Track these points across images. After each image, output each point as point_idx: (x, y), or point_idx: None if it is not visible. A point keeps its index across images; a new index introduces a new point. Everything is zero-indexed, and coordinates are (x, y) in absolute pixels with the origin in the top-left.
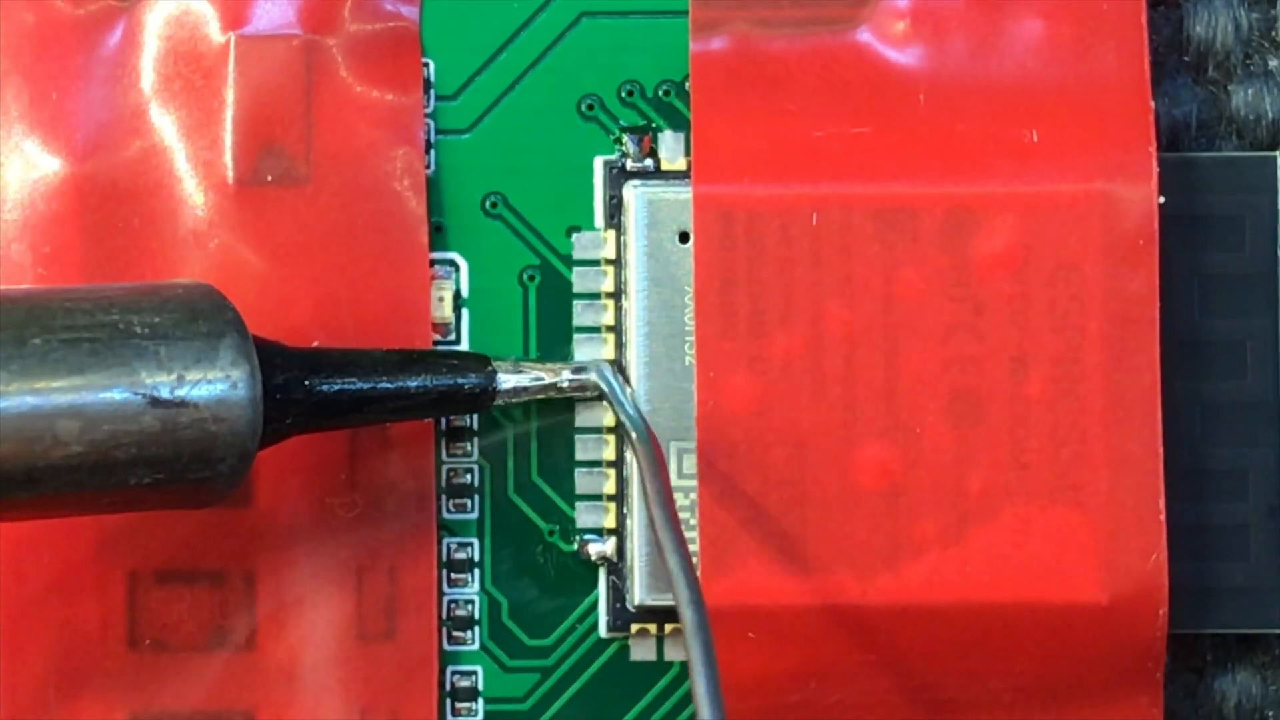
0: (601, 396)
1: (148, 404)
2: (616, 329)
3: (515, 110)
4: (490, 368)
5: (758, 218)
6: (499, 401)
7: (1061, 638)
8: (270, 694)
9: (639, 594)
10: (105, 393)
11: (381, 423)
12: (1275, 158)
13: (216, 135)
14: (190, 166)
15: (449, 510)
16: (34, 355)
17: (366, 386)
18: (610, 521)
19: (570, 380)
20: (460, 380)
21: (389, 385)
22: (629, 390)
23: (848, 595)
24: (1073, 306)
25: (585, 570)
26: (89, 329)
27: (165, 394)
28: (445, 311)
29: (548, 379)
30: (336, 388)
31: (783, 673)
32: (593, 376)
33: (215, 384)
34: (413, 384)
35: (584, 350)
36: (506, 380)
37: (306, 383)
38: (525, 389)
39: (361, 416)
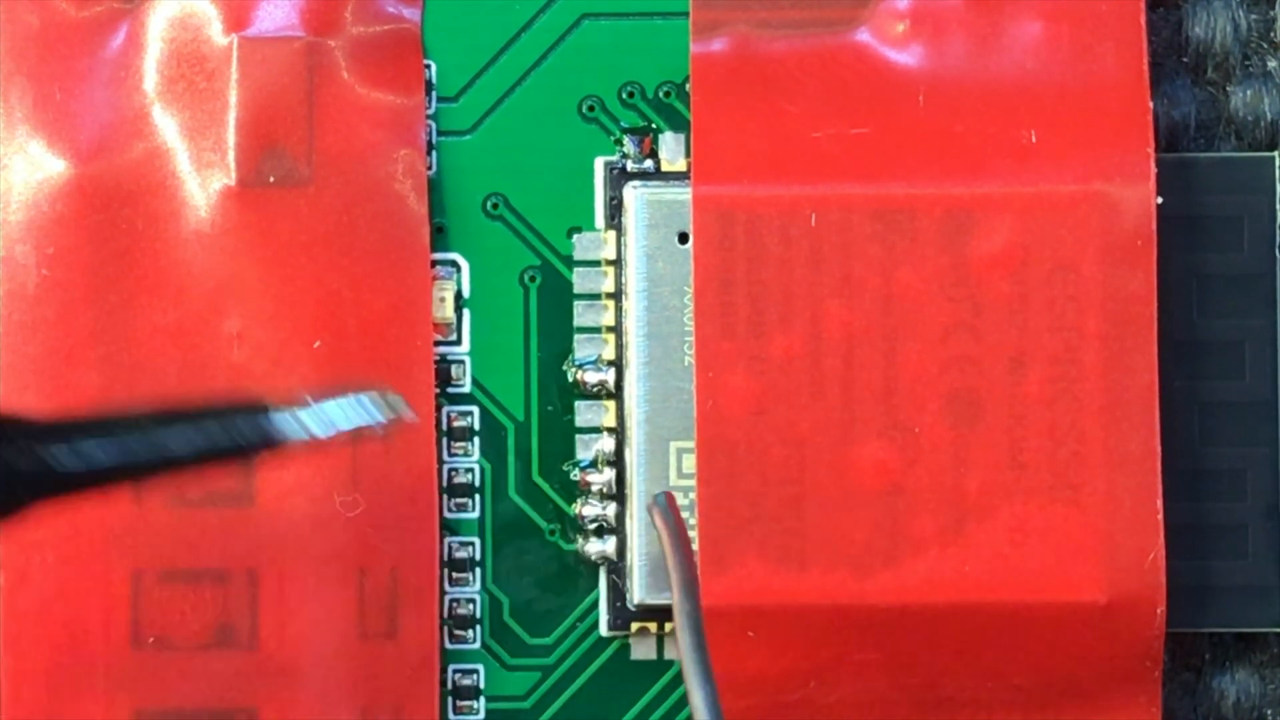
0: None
1: None
2: (616, 329)
3: (516, 111)
4: (266, 414)
5: (757, 218)
6: (287, 448)
7: (1060, 636)
8: (272, 692)
9: (639, 593)
10: None
11: (148, 482)
12: (1273, 158)
13: (219, 136)
14: (193, 168)
15: (450, 509)
16: None
17: (118, 453)
18: (610, 521)
19: (372, 416)
20: (234, 435)
21: (145, 448)
22: None
23: (847, 594)
24: (1071, 306)
25: (585, 569)
26: None
27: None
28: (447, 312)
29: (345, 420)
30: (83, 458)
31: (782, 672)
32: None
33: None
34: (176, 444)
35: (584, 349)
36: (288, 425)
37: (43, 455)
38: (315, 435)
39: (118, 480)
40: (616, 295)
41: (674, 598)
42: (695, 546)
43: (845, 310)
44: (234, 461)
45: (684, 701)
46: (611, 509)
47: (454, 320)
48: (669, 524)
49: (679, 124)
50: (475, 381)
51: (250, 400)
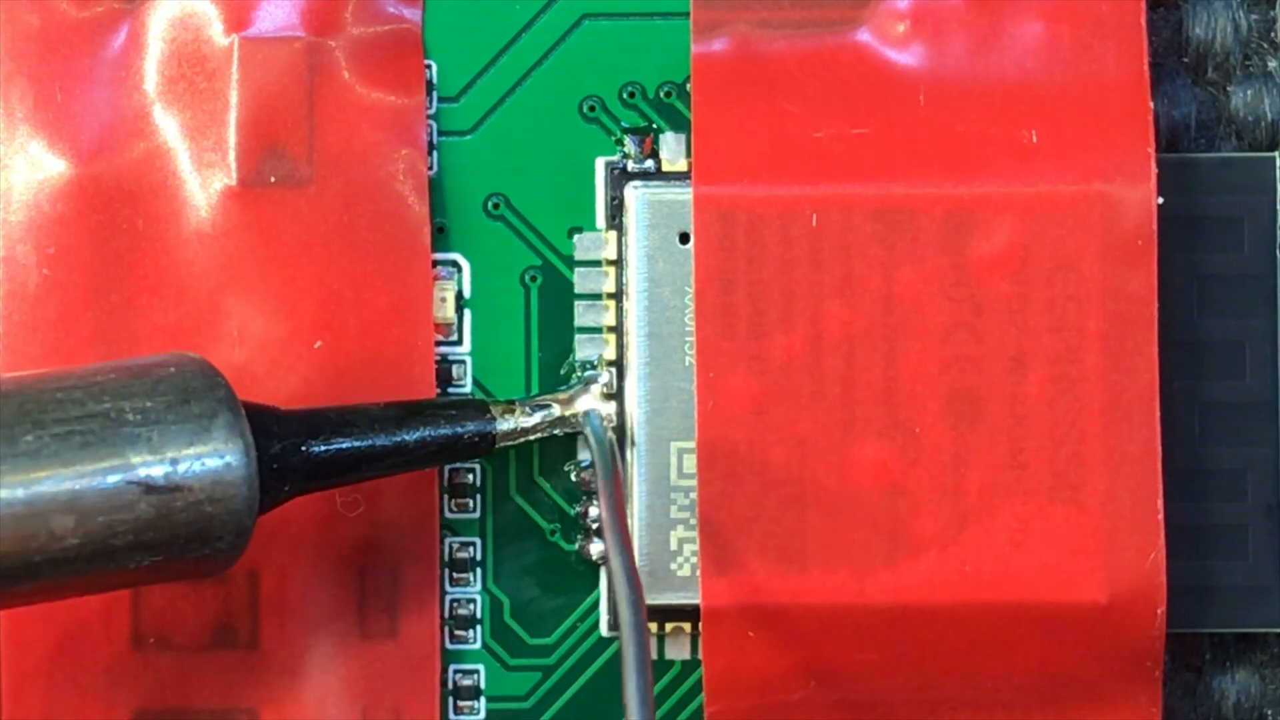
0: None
1: (142, 491)
2: (617, 329)
3: (517, 111)
4: (489, 414)
5: (758, 218)
6: (499, 445)
7: (1060, 637)
8: (273, 692)
9: None
10: (99, 484)
11: (383, 477)
12: (1274, 158)
13: (220, 136)
14: (194, 168)
15: (451, 510)
16: (26, 454)
17: (364, 445)
18: None
19: (567, 418)
20: (459, 430)
21: (387, 442)
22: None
23: (847, 594)
24: (1071, 306)
25: (586, 569)
26: (80, 420)
27: (159, 480)
28: (447, 312)
29: (545, 419)
30: (333, 449)
31: (783, 672)
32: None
33: (209, 465)
34: (411, 438)
35: (585, 349)
36: (505, 424)
37: (303, 448)
38: (524, 430)
39: (360, 474)
40: (617, 295)
41: (600, 496)
42: (695, 546)
43: (845, 310)
44: (456, 457)
45: (684, 701)
46: None
47: (455, 320)
48: (601, 442)
49: (680, 124)
50: (476, 381)
51: (475, 402)
